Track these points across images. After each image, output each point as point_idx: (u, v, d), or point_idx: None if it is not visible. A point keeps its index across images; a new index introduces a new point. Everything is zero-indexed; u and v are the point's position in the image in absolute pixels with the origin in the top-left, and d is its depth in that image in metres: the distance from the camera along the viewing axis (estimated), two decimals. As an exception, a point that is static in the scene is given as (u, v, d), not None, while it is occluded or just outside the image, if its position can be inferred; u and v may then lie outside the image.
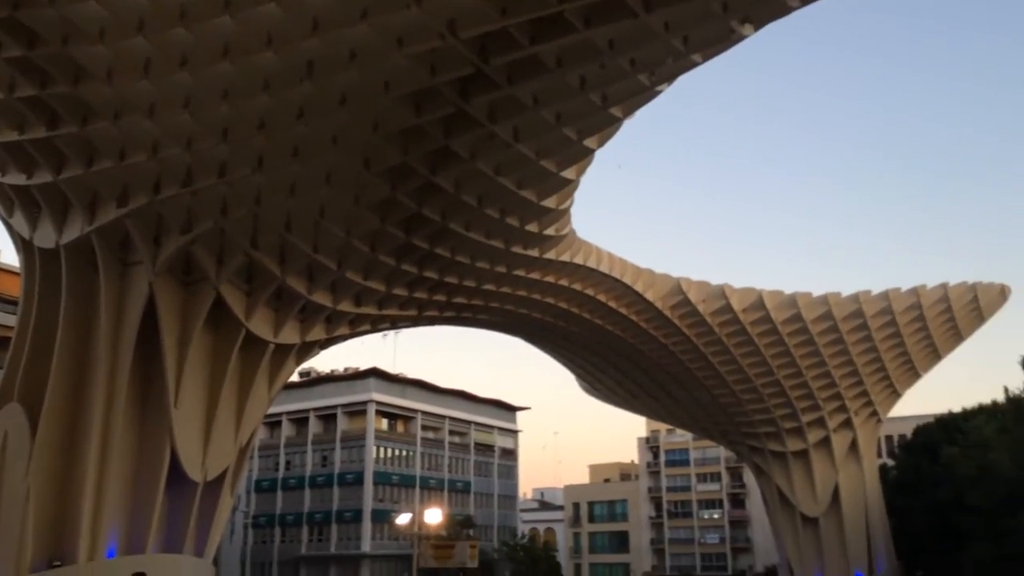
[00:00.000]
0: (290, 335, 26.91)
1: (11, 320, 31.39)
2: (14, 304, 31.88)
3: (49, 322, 23.65)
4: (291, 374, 30.27)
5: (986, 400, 50.12)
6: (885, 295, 42.61)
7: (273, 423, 74.70)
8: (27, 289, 24.83)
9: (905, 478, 51.70)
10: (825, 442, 46.72)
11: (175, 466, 23.93)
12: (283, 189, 21.22)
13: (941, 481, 44.28)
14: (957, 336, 46.70)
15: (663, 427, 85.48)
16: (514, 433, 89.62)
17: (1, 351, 29.33)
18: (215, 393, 25.06)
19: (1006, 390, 44.89)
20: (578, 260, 30.52)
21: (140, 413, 24.11)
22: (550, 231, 26.51)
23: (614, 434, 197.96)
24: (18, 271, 27.30)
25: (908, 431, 58.58)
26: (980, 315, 46.46)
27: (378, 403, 72.54)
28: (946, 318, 44.84)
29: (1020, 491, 38.25)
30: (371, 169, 20.76)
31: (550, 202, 24.20)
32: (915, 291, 43.27)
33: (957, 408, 52.58)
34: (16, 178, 22.37)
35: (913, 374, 47.27)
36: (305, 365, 69.05)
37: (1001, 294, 46.78)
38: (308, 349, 28.79)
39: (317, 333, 27.96)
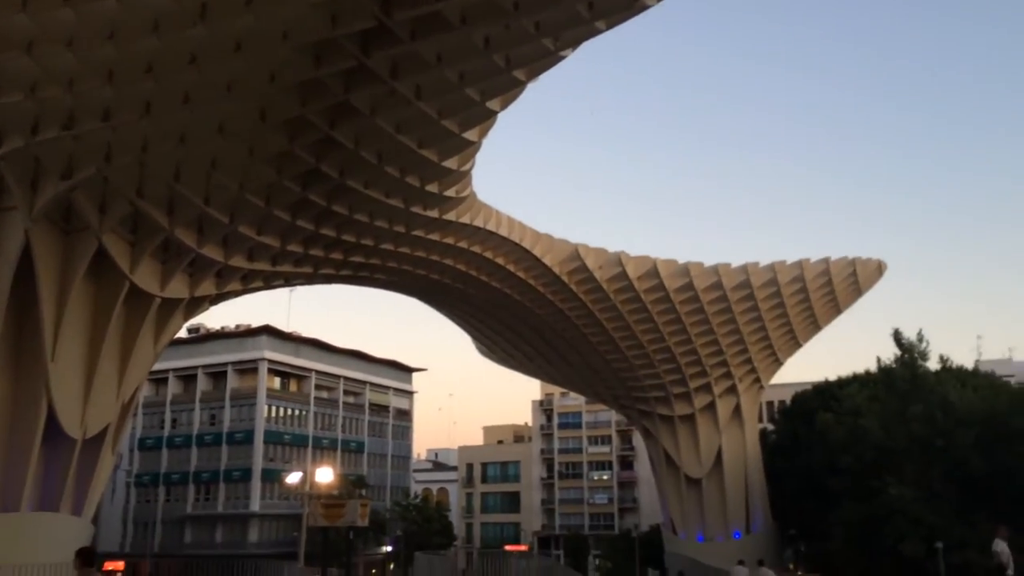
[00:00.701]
0: (178, 289, 26.02)
1: None
2: None
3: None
4: (179, 329, 29.37)
5: (860, 370, 53.05)
6: (771, 267, 44.26)
7: (159, 380, 72.51)
8: None
9: (783, 442, 54.23)
10: (711, 407, 48.53)
11: (52, 422, 22.97)
12: (172, 137, 20.34)
13: (816, 445, 46.61)
14: (836, 308, 48.99)
15: (557, 391, 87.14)
16: (409, 394, 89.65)
17: None
18: (96, 347, 24.11)
19: (878, 360, 47.52)
20: (478, 223, 30.49)
21: (14, 366, 22.97)
22: (451, 192, 26.35)
23: (509, 397, 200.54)
24: None
25: (787, 398, 61.36)
26: (858, 289, 48.83)
27: (270, 361, 71.24)
28: (827, 291, 46.95)
29: (887, 455, 40.74)
30: (267, 121, 20.11)
31: (451, 163, 24.02)
32: (799, 264, 45.10)
33: (833, 377, 55.42)
34: None
35: (794, 343, 49.44)
36: (194, 321, 67.27)
37: (878, 269, 49.24)
38: (197, 304, 27.92)
39: (207, 288, 27.14)
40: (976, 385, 44.30)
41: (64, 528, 23.42)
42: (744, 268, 43.51)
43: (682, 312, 42.89)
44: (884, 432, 41.31)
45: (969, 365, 51.87)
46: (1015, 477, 37.93)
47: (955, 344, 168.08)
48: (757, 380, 49.76)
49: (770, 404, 70.19)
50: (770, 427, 60.32)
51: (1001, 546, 16.08)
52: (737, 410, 49.21)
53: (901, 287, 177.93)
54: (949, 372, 45.44)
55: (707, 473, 48.84)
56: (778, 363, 50.16)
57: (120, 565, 50.95)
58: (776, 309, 45.76)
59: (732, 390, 48.76)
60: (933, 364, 45.21)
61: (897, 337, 44.77)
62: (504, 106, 21.35)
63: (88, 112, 19.42)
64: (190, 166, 21.86)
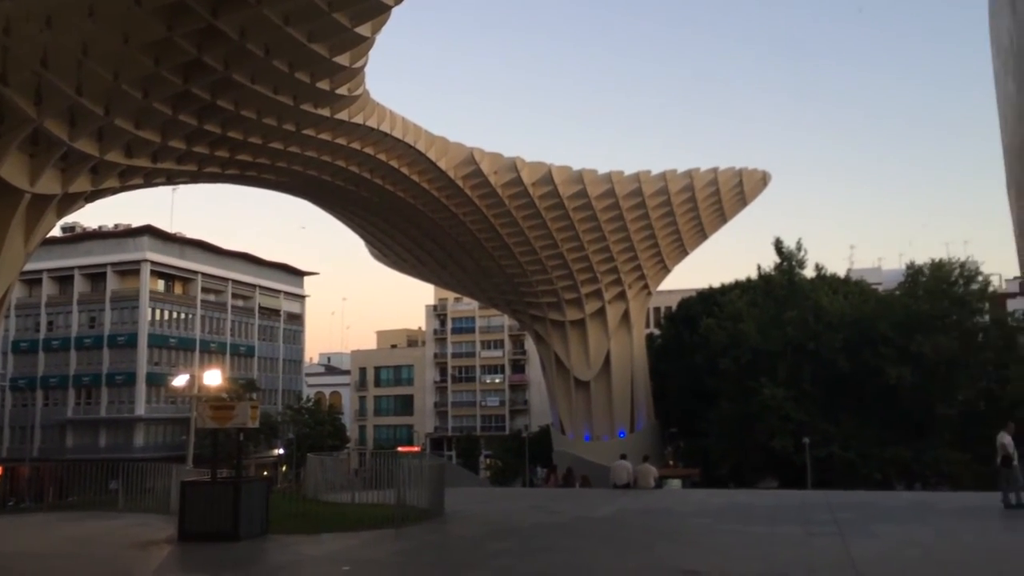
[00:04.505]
0: (49, 185, 24.54)
1: None
2: None
3: None
4: (51, 228, 27.79)
5: (742, 277, 55.36)
6: (663, 176, 45.13)
7: (32, 280, 69.13)
8: None
9: (668, 346, 56.49)
10: (600, 312, 49.88)
11: (-88, 323, 21.71)
12: (37, 19, 18.78)
13: (698, 349, 48.79)
14: (722, 217, 50.58)
15: (451, 295, 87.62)
16: (301, 298, 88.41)
17: None
18: (-41, 245, 22.70)
19: (759, 268, 49.67)
20: (371, 123, 29.73)
21: None
22: (342, 90, 25.50)
23: (402, 301, 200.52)
24: None
25: (674, 304, 63.69)
26: (743, 199, 50.44)
27: (153, 263, 68.67)
28: (714, 200, 48.32)
29: (763, 358, 43.02)
30: (142, 5, 18.80)
31: (343, 59, 23.16)
32: (689, 173, 46.12)
33: (717, 284, 57.67)
34: None
35: (682, 251, 50.97)
36: (69, 219, 64.05)
37: (763, 180, 50.87)
38: (71, 201, 26.44)
39: (81, 184, 25.69)
40: (847, 292, 47.00)
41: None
42: (636, 176, 44.20)
43: (575, 219, 43.45)
44: (761, 336, 43.50)
45: (842, 274, 54.86)
46: (878, 376, 40.76)
47: (830, 254, 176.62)
48: (645, 287, 51.26)
49: (657, 310, 72.71)
50: (656, 332, 62.60)
51: (1007, 439, 17.40)
52: (626, 315, 50.73)
53: (783, 199, 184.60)
54: (823, 280, 47.95)
55: (595, 376, 50.56)
56: (666, 270, 51.73)
57: (-2, 470, 49.37)
58: (666, 217, 46.89)
59: (621, 296, 50.13)
60: (809, 272, 47.65)
61: (778, 246, 46.76)
62: (398, 1, 20.60)
63: (-61, -13, 17.75)
64: (59, 52, 20.30)
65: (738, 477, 45.37)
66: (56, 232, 52.80)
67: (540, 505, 21.39)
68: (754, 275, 51.41)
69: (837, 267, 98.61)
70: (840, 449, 40.53)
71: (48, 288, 70.67)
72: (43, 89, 21.59)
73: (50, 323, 70.33)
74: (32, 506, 31.72)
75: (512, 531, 16.26)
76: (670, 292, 68.18)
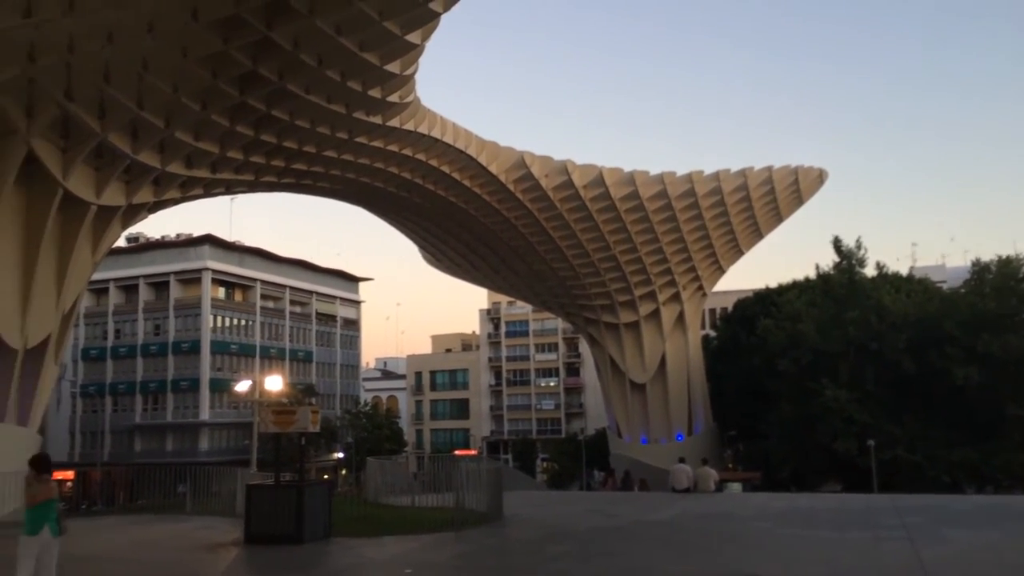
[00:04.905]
0: (114, 197, 25.26)
1: None
2: None
3: None
4: (117, 238, 28.63)
5: (800, 277, 54.39)
6: (716, 175, 44.57)
7: (100, 290, 71.19)
8: None
9: (724, 348, 55.74)
10: (655, 314, 49.44)
11: (-9, 333, 22.46)
12: (99, 36, 19.35)
13: (756, 350, 48.03)
14: (778, 216, 49.76)
15: (504, 299, 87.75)
16: (357, 303, 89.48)
17: None
18: (32, 256, 23.39)
19: (817, 268, 48.76)
20: (422, 129, 29.98)
21: (-53, 277, 22.29)
22: (394, 98, 25.77)
23: (456, 305, 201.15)
24: None
25: (730, 305, 62.84)
26: (799, 197, 49.54)
27: (214, 271, 70.24)
28: (769, 199, 47.57)
29: (823, 358, 42.19)
30: (199, 20, 19.25)
31: (394, 67, 23.41)
32: (743, 172, 45.47)
33: (773, 284, 56.79)
34: None
35: (737, 251, 50.27)
36: (133, 230, 65.81)
37: (819, 178, 49.89)
38: (135, 212, 27.20)
39: (144, 196, 26.40)
40: (910, 291, 45.80)
41: (10, 438, 23.12)
42: (689, 176, 43.74)
43: (627, 220, 43.17)
44: (821, 336, 42.66)
45: (904, 271, 53.55)
46: (944, 377, 39.65)
47: (891, 251, 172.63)
48: (700, 288, 50.68)
49: (712, 311, 71.83)
50: (712, 333, 61.84)
51: None
52: (681, 317, 50.20)
53: (841, 196, 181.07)
54: (885, 278, 46.83)
55: (651, 378, 50.11)
56: (721, 271, 51.08)
57: (70, 474, 50.83)
58: (720, 217, 46.31)
59: (676, 298, 49.64)
60: (870, 271, 46.63)
61: (837, 244, 45.84)
62: (447, 7, 20.74)
63: (7, 8, 18.32)
64: (120, 67, 20.90)
65: (799, 480, 44.50)
66: (121, 242, 54.23)
67: (598, 509, 21.27)
68: (812, 274, 50.55)
69: (899, 265, 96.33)
70: (906, 451, 39.53)
71: (115, 297, 72.76)
72: (106, 104, 22.25)
73: (117, 331, 72.38)
74: (104, 509, 32.63)
75: (570, 535, 16.19)
76: (726, 293, 67.31)
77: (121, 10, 18.50)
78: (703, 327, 59.08)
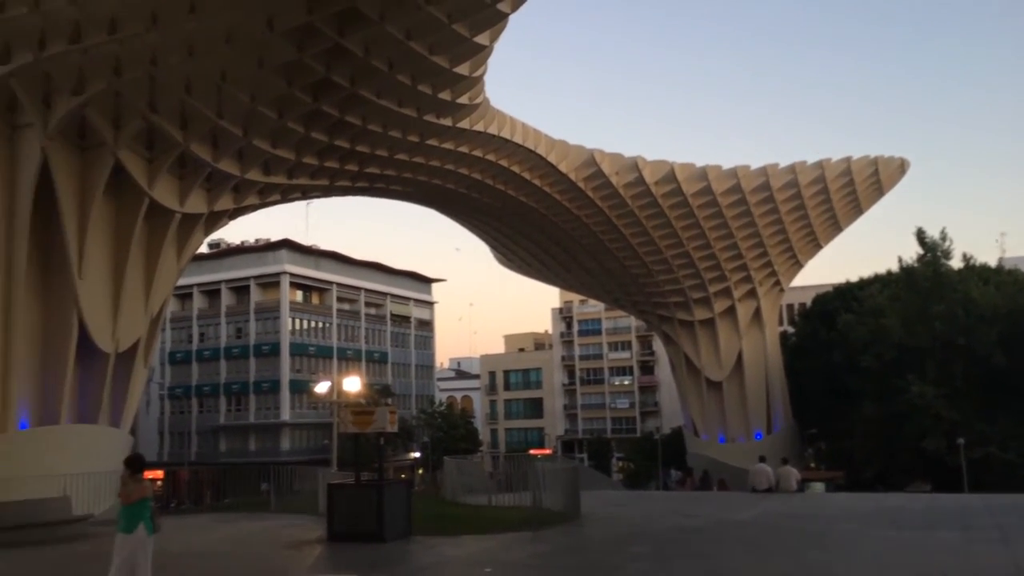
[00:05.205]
0: (197, 204, 26.09)
1: None
2: None
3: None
4: (200, 244, 29.56)
5: (881, 270, 52.74)
6: (791, 168, 43.59)
7: (184, 295, 73.55)
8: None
9: (803, 343, 54.42)
10: (730, 311, 48.61)
11: (84, 338, 23.40)
12: (180, 49, 20.00)
13: (836, 346, 46.81)
14: (857, 209, 48.39)
15: (576, 298, 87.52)
16: (430, 304, 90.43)
17: None
18: (121, 263, 24.35)
19: (900, 260, 47.16)
20: (492, 130, 30.09)
21: (43, 284, 23.26)
22: (463, 99, 25.93)
23: (528, 305, 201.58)
24: None
25: (808, 300, 61.38)
26: (880, 188, 48.08)
27: (291, 275, 71.94)
28: (848, 191, 46.29)
29: (907, 354, 40.85)
30: (274, 29, 19.70)
31: (463, 69, 23.56)
32: (820, 164, 44.36)
33: (854, 278, 55.19)
34: None
35: (815, 245, 49.06)
36: (214, 236, 67.64)
37: (900, 168, 48.31)
38: (216, 219, 28.03)
39: (225, 203, 27.18)
40: (999, 282, 43.95)
41: (104, 439, 24.10)
42: (763, 170, 42.89)
43: (700, 216, 42.56)
44: (906, 331, 41.33)
45: (992, 262, 51.45)
46: (1038, 372, 38.00)
47: (977, 243, 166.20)
48: (777, 283, 49.64)
49: (790, 307, 70.33)
50: (790, 329, 60.50)
51: None
52: (757, 313, 49.24)
53: (923, 186, 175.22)
54: (971, 270, 45.04)
55: (727, 376, 49.28)
56: (799, 265, 49.94)
57: (159, 474, 52.68)
58: (796, 211, 45.28)
59: (752, 294, 48.71)
60: (956, 262, 44.84)
61: (920, 236, 44.29)
62: (515, 7, 20.76)
63: (94, 25, 19.13)
64: (200, 79, 21.58)
65: (885, 480, 43.17)
66: (204, 248, 56.04)
67: (677, 508, 21.03)
68: (894, 267, 48.89)
69: (986, 256, 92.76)
70: (998, 450, 38.00)
71: (198, 301, 75.18)
72: (188, 114, 23.00)
73: (201, 334, 74.75)
74: (192, 508, 33.70)
75: (649, 535, 16.04)
76: (804, 288, 65.78)
77: (201, 22, 19.07)
78: (781, 323, 57.85)
